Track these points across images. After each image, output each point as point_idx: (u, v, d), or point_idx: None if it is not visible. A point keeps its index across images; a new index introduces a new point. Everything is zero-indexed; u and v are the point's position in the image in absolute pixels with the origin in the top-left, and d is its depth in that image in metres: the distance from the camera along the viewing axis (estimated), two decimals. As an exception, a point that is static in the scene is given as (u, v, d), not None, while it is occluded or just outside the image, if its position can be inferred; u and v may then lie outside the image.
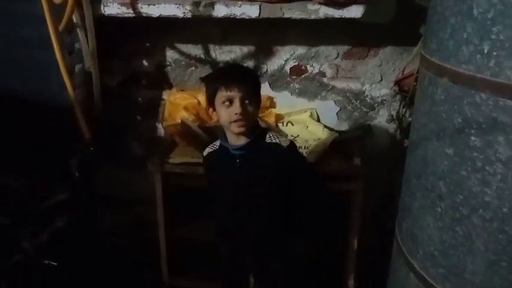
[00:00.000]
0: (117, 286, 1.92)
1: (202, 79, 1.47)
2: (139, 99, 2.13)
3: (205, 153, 1.48)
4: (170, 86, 2.07)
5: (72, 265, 1.75)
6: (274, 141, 1.35)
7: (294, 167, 1.38)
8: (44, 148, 1.81)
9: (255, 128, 1.35)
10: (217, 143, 1.44)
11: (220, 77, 1.34)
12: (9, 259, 1.66)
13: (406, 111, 1.86)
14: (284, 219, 1.41)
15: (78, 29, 1.77)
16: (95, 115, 1.91)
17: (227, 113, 1.30)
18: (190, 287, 1.96)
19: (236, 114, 1.28)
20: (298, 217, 1.43)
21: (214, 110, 1.35)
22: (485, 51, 0.94)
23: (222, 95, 1.30)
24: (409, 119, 1.87)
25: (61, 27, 1.68)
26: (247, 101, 1.29)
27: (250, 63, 1.99)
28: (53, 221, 1.74)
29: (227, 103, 1.29)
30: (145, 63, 2.07)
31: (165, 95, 2.08)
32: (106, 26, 1.81)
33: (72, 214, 1.79)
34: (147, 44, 2.04)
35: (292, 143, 1.39)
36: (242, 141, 1.34)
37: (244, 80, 1.31)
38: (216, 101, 1.32)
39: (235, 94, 1.28)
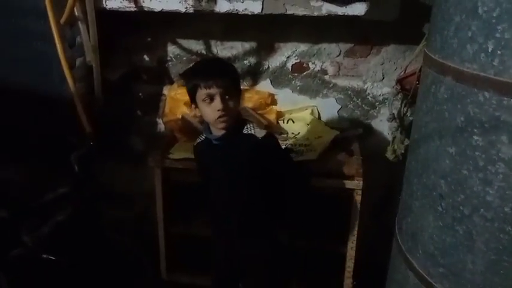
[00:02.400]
0: (117, 281, 1.92)
1: (181, 75, 1.44)
2: (140, 94, 2.12)
3: (195, 143, 1.51)
4: (171, 81, 2.06)
5: (72, 259, 1.75)
6: (250, 132, 1.36)
7: (269, 157, 1.38)
8: (45, 142, 1.80)
9: (237, 121, 1.36)
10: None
11: (198, 74, 1.32)
12: (9, 253, 1.66)
13: (407, 110, 1.85)
14: (265, 209, 1.42)
15: (79, 22, 1.76)
16: (95, 109, 1.91)
17: (210, 109, 1.30)
18: (189, 283, 1.96)
19: (219, 110, 1.28)
20: (278, 207, 1.44)
21: (196, 106, 1.35)
22: (490, 50, 0.93)
23: (201, 92, 1.29)
24: (410, 118, 1.86)
25: (62, 20, 1.68)
26: (227, 96, 1.29)
27: (252, 60, 1.99)
28: (54, 215, 1.74)
29: (208, 100, 1.29)
30: (146, 58, 2.06)
31: (166, 90, 2.07)
32: (107, 19, 1.80)
33: (73, 208, 1.78)
34: (149, 39, 2.03)
35: (268, 134, 1.38)
36: (221, 132, 1.35)
37: (222, 75, 1.30)
38: (197, 98, 1.32)
39: (214, 91, 1.27)
